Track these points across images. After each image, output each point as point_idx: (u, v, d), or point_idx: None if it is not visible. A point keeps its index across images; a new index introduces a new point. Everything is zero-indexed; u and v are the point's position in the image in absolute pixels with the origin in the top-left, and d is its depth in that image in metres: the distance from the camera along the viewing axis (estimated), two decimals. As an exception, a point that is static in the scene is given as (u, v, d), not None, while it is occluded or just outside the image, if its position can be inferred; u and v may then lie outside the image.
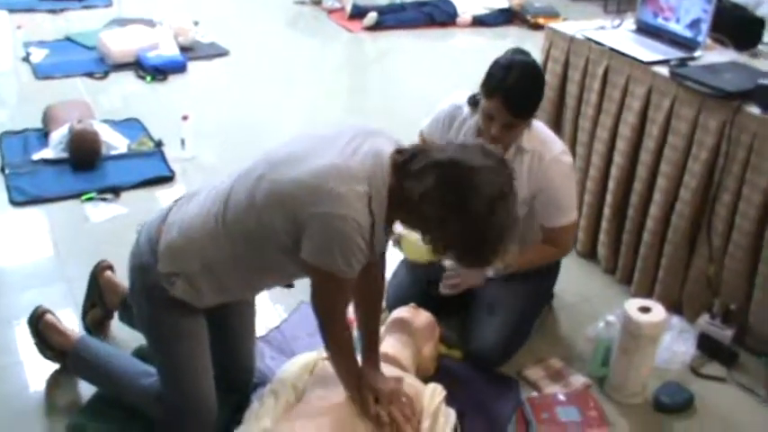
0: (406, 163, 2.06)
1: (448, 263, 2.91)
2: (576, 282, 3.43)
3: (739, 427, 2.77)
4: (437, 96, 5.32)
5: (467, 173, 2.00)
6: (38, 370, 2.78)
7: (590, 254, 3.61)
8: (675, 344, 3.02)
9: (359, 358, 2.39)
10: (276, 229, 2.08)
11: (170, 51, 5.48)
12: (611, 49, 3.29)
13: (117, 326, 2.95)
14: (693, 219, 3.09)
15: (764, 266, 2.88)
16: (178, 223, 2.25)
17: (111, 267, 2.93)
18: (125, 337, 2.91)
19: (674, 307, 3.13)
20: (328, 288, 2.12)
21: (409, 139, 3.09)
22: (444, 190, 2.00)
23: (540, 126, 2.90)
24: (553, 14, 7.02)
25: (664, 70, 3.11)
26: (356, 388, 2.32)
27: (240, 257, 2.18)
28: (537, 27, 6.94)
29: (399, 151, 2.11)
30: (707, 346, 3.05)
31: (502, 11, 7.06)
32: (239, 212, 2.14)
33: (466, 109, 2.92)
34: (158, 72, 5.29)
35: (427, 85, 5.64)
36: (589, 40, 3.40)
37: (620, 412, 2.77)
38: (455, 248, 2.08)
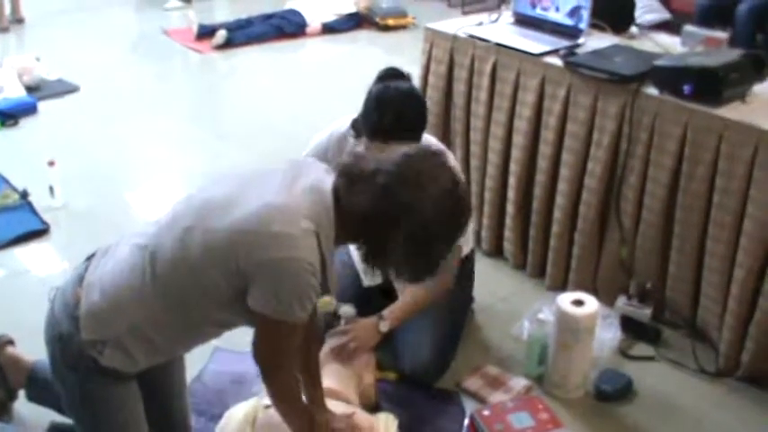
0: (347, 191, 1.93)
1: (343, 310, 2.79)
2: (488, 282, 3.38)
3: (679, 402, 2.81)
4: (306, 108, 5.34)
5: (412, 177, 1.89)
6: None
7: (496, 252, 3.58)
8: (601, 331, 3.01)
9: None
10: (216, 282, 1.92)
11: (16, 93, 5.08)
12: (498, 45, 3.27)
13: (21, 406, 2.66)
14: (601, 204, 3.11)
15: (677, 241, 2.93)
16: (98, 284, 2.02)
17: (11, 342, 2.64)
18: (33, 416, 2.63)
19: (589, 294, 3.14)
20: (279, 335, 1.96)
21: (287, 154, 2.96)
22: (392, 195, 1.88)
23: (428, 139, 2.75)
24: (401, 14, 6.98)
25: (555, 60, 3.11)
26: None
27: (173, 315, 1.99)
28: (387, 28, 6.91)
29: (337, 181, 1.97)
30: (630, 327, 3.08)
31: (350, 15, 6.95)
32: (169, 268, 1.95)
33: (351, 136, 2.74)
34: (7, 117, 4.88)
35: (292, 99, 5.51)
36: (472, 37, 3.36)
37: (566, 407, 2.75)
38: (411, 256, 1.95)
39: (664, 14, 5.68)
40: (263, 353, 2.02)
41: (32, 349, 2.23)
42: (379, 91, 2.51)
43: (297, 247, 1.85)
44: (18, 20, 6.79)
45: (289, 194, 1.92)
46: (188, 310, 2.00)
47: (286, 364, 2.06)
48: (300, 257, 1.85)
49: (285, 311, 1.89)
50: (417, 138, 2.54)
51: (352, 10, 7.00)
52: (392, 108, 2.46)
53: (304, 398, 2.25)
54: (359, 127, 2.68)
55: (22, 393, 2.64)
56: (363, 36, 6.96)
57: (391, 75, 2.60)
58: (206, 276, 1.92)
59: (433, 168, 1.92)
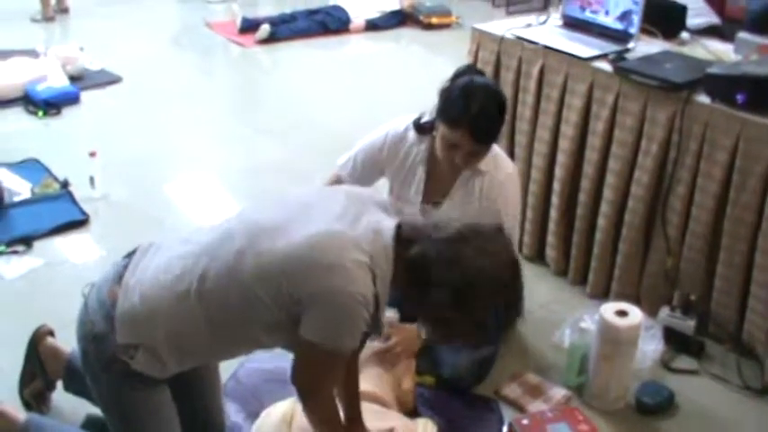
0: (409, 237, 1.93)
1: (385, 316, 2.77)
2: (529, 287, 3.26)
3: (722, 418, 2.75)
4: (347, 105, 5.33)
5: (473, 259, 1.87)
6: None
7: (538, 257, 3.53)
8: (644, 342, 2.96)
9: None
10: (267, 305, 1.90)
11: (60, 82, 5.11)
12: (546, 47, 3.22)
13: (59, 396, 2.66)
14: (647, 213, 3.05)
15: (725, 253, 2.87)
16: (138, 287, 2.00)
17: (51, 332, 2.64)
18: (70, 407, 2.63)
19: (631, 303, 3.08)
20: (324, 363, 1.94)
21: (333, 156, 2.95)
22: (449, 251, 1.87)
23: (504, 159, 2.84)
24: (445, 13, 6.96)
25: (604, 65, 3.06)
26: None
27: (213, 330, 1.97)
28: (430, 27, 6.89)
29: (399, 228, 1.95)
30: (673, 339, 3.01)
31: (394, 13, 6.95)
32: (219, 286, 1.93)
33: (412, 134, 2.79)
34: (50, 106, 4.92)
35: (334, 95, 5.50)
36: (520, 39, 3.31)
37: (605, 419, 2.70)
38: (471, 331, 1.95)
39: (713, 18, 5.56)
40: (306, 378, 1.99)
41: (70, 339, 2.22)
42: (466, 82, 2.59)
43: (351, 278, 1.83)
44: (63, 10, 6.88)
45: (349, 227, 1.90)
46: (230, 329, 1.98)
47: (327, 390, 2.05)
48: (354, 290, 1.83)
49: (334, 341, 1.88)
50: (498, 129, 2.62)
51: (396, 7, 7.00)
52: (479, 97, 2.54)
53: (341, 410, 2.22)
54: (423, 126, 2.75)
55: (59, 385, 2.64)
56: (406, 34, 6.95)
57: (471, 71, 2.70)
58: (256, 298, 1.90)
59: (497, 242, 1.92)
